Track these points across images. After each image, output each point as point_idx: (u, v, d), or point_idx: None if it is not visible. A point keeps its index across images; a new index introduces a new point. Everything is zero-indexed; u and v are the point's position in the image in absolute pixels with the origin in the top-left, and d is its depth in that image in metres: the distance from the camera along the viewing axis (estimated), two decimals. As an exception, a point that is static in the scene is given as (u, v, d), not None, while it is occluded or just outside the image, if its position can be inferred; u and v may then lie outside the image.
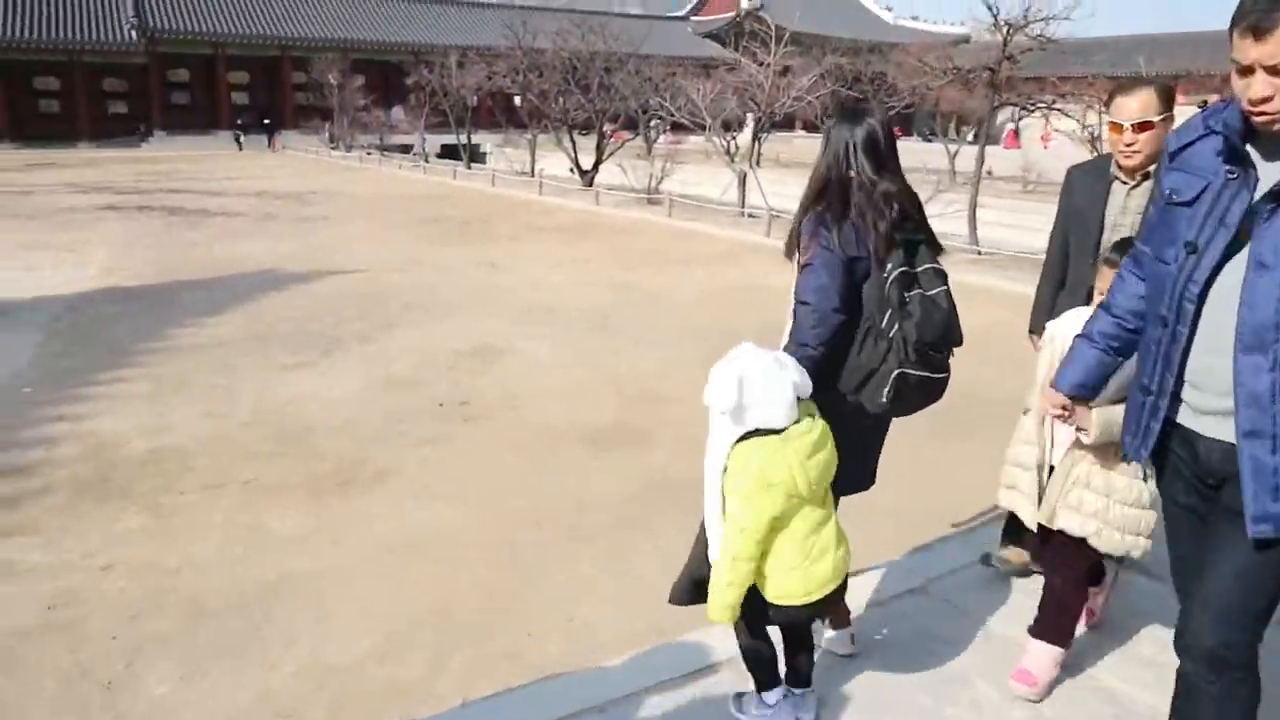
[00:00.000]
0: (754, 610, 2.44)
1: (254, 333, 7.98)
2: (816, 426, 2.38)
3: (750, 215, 17.40)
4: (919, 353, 2.61)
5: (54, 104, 40.10)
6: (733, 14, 58.25)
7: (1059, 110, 13.93)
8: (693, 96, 18.54)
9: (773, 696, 2.67)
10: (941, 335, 2.65)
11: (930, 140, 58.25)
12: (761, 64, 16.95)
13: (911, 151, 33.69)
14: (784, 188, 23.12)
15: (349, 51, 42.98)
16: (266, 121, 40.39)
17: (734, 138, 21.06)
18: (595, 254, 12.80)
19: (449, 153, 36.09)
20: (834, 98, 16.78)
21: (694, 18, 62.05)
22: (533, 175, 26.91)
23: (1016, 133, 53.23)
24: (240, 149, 38.46)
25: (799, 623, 2.59)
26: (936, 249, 2.77)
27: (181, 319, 8.43)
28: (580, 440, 5.51)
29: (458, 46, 33.91)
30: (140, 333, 7.91)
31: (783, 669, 2.70)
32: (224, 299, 9.33)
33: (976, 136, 30.65)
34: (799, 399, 2.35)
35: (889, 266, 2.63)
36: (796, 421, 2.33)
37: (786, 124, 36.88)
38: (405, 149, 36.72)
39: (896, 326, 2.62)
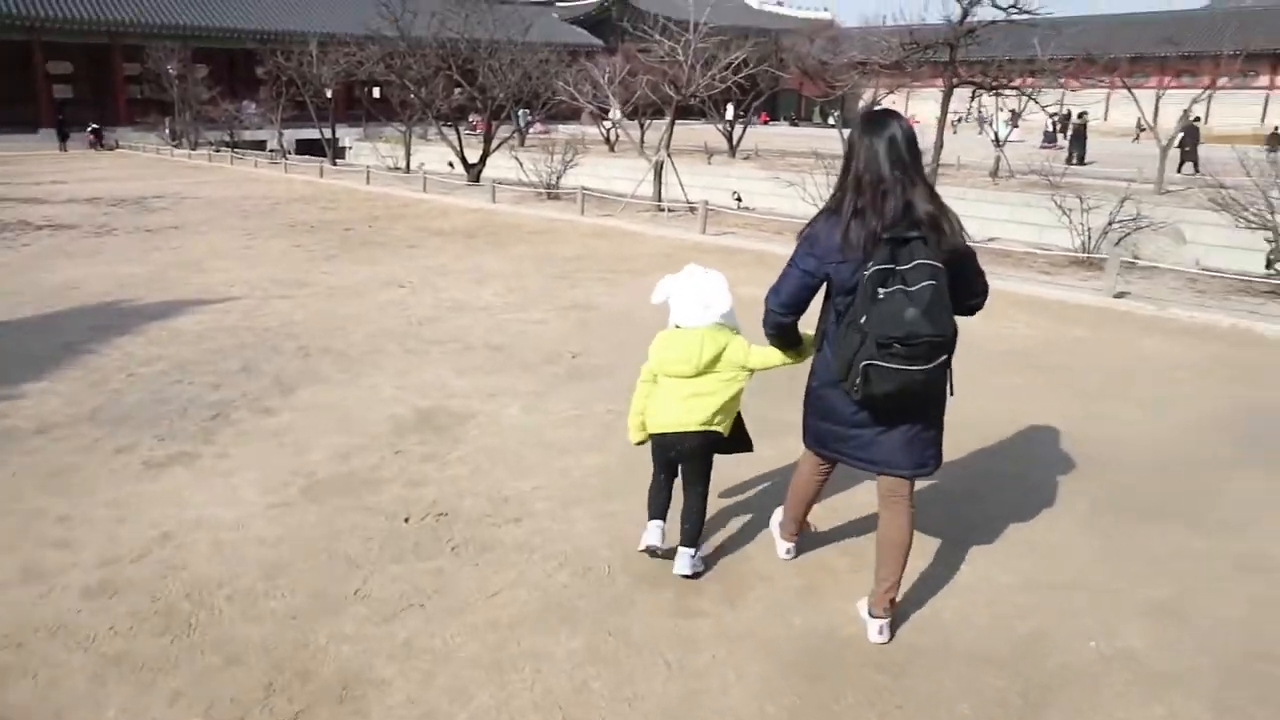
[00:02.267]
0: (652, 452, 3.70)
1: (94, 406, 5.63)
2: (706, 337, 3.46)
3: (670, 210, 15.68)
4: (880, 345, 2.86)
5: None
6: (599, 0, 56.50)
7: (1023, 93, 12.73)
8: (598, 79, 16.59)
9: (651, 524, 3.70)
10: (906, 331, 2.81)
11: (796, 125, 58.41)
12: (677, 44, 15.17)
13: (810, 136, 32.93)
14: (696, 179, 21.62)
15: (190, 39, 38.94)
16: (94, 127, 35.67)
17: (637, 124, 19.50)
18: (520, 264, 10.76)
19: (308, 148, 33.03)
20: (769, 80, 15.12)
21: (558, 3, 59.91)
22: (408, 170, 24.45)
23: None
24: (64, 149, 34.05)
25: (661, 451, 3.65)
26: (944, 245, 2.90)
27: (-13, 386, 6.02)
28: (651, 582, 3.62)
29: (317, 33, 30.76)
30: (-78, 413, 5.49)
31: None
32: (48, 351, 6.85)
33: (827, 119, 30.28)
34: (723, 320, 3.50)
35: (870, 263, 2.88)
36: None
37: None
38: (258, 145, 33.34)
39: (864, 319, 2.88)
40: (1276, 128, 35.64)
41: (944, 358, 2.94)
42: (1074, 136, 27.86)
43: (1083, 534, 4.10)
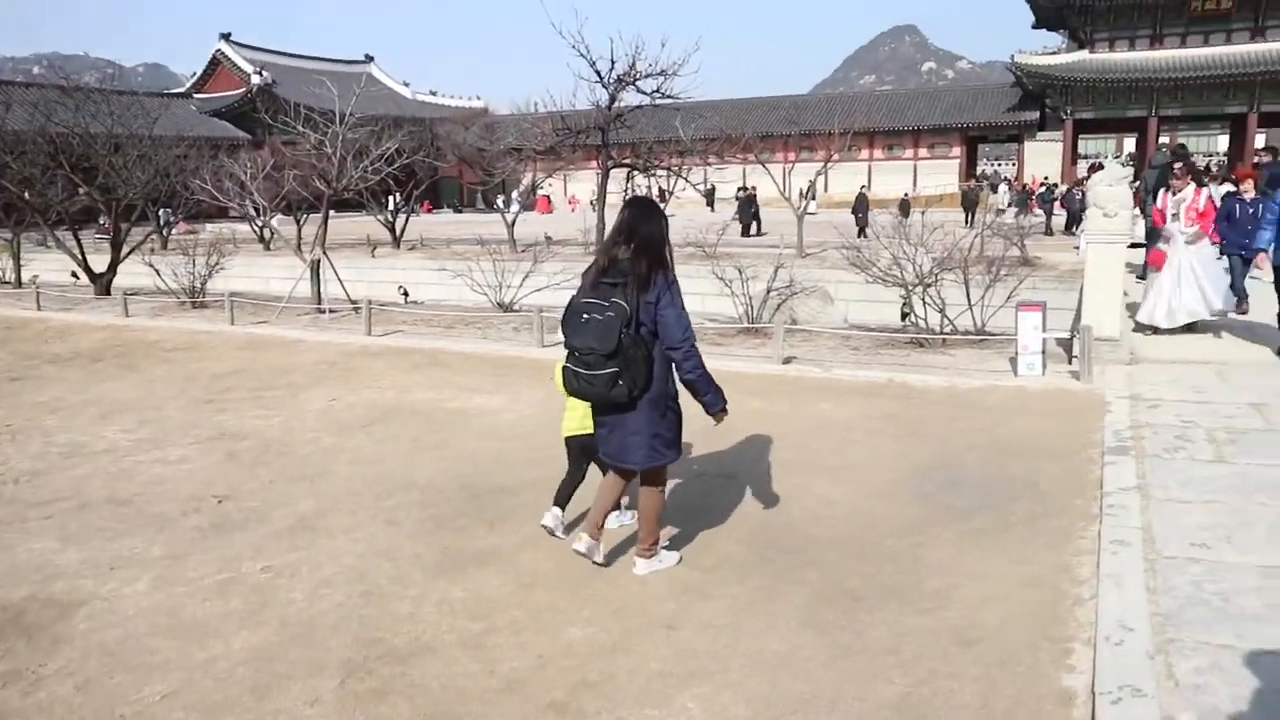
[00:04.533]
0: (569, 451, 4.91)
1: None
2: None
3: (331, 311, 14.62)
4: (567, 349, 4.24)
5: None
6: (241, 90, 53.70)
7: (674, 172, 13.23)
8: (239, 175, 15.26)
9: (554, 509, 4.85)
10: (575, 342, 4.16)
11: (460, 211, 58.63)
12: (324, 136, 14.31)
13: (474, 223, 32.84)
14: (361, 274, 20.55)
15: None
16: None
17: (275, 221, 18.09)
18: (156, 390, 9.30)
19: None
20: (427, 169, 14.65)
21: (197, 95, 56.17)
22: (18, 285, 21.16)
23: (549, 198, 55.39)
24: None
25: (573, 450, 4.88)
26: (645, 288, 4.12)
27: None
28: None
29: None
30: None
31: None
32: None
33: (507, 204, 30.93)
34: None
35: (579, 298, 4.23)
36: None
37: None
38: None
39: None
40: (906, 194, 40.62)
41: (613, 369, 4.05)
42: (741, 209, 29.97)
43: (808, 632, 3.86)
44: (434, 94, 66.09)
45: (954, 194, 49.33)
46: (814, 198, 26.21)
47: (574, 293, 4.31)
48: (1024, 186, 37.38)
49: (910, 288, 10.54)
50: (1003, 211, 31.85)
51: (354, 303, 14.22)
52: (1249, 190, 10.89)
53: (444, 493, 5.78)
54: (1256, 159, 45.82)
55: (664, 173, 12.46)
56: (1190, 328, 9.67)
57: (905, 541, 4.82)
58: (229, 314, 13.97)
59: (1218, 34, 49.88)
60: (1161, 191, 10.35)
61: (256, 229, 28.41)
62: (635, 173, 12.08)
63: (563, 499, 4.90)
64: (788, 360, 9.37)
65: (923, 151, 55.72)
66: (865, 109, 55.17)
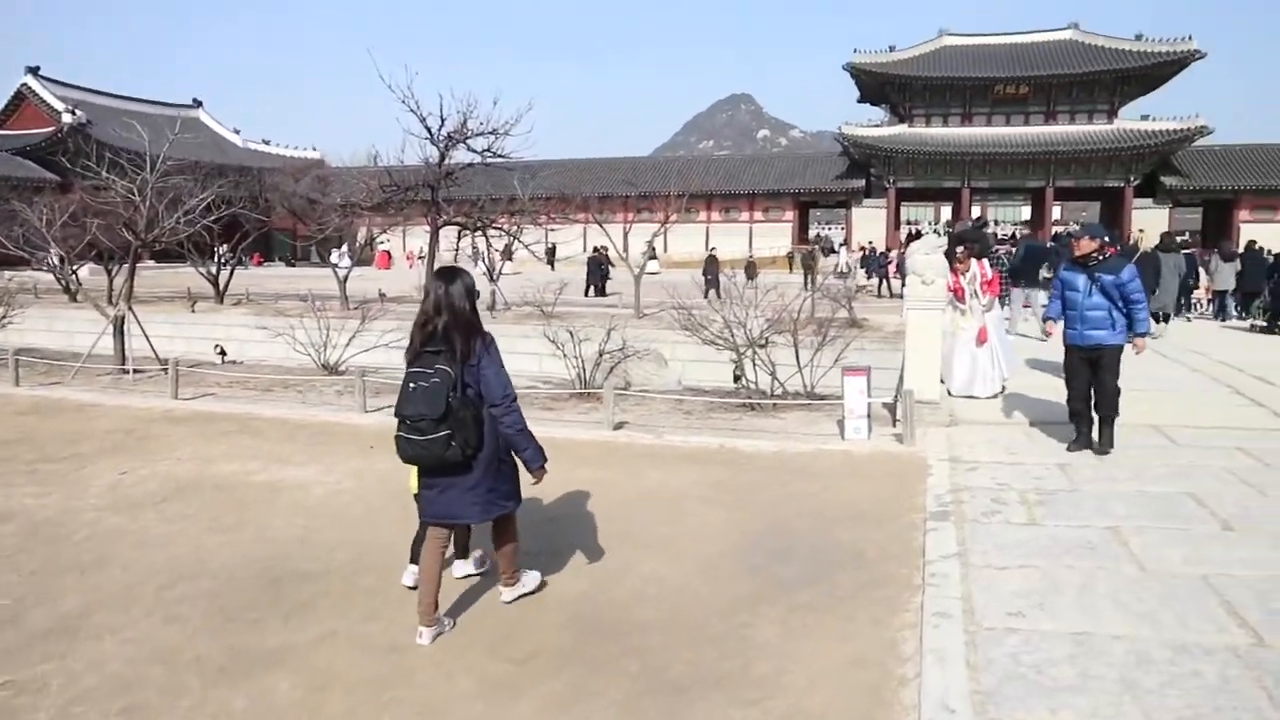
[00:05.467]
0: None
1: None
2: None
3: (136, 372, 13.49)
4: (397, 418, 4.39)
5: None
6: (51, 129, 50.21)
7: (506, 232, 12.98)
8: (32, 220, 14.00)
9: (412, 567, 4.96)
10: (405, 410, 4.34)
11: (293, 265, 56.42)
12: (133, 181, 13.32)
13: (302, 277, 31.40)
14: (179, 329, 19.20)
15: None
16: None
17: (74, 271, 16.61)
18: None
19: None
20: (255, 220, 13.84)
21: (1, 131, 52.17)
22: None
23: (388, 254, 54.11)
24: None
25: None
26: (466, 354, 4.39)
27: None
28: None
29: None
30: None
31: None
32: None
33: (329, 258, 29.92)
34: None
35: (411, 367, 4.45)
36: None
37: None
38: None
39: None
40: (751, 257, 41.57)
41: (445, 432, 4.25)
42: (590, 269, 29.90)
43: (626, 733, 3.59)
44: (266, 143, 63.78)
45: (788, 256, 51.32)
46: (654, 257, 26.53)
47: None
48: (872, 250, 39.16)
49: (741, 350, 10.63)
50: (844, 274, 33.28)
51: (163, 362, 13.18)
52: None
53: (237, 581, 5.23)
54: (1054, 229, 49.82)
55: (497, 232, 12.22)
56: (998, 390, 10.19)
57: (733, 621, 4.64)
58: (13, 374, 12.65)
59: (1018, 116, 54.41)
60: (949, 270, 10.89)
61: (60, 278, 26.26)
62: (467, 231, 11.79)
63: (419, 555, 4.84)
64: (619, 425, 9.20)
65: (758, 214, 57.83)
66: (703, 172, 56.86)
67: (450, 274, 4.56)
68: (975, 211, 57.32)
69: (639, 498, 6.80)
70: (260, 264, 52.65)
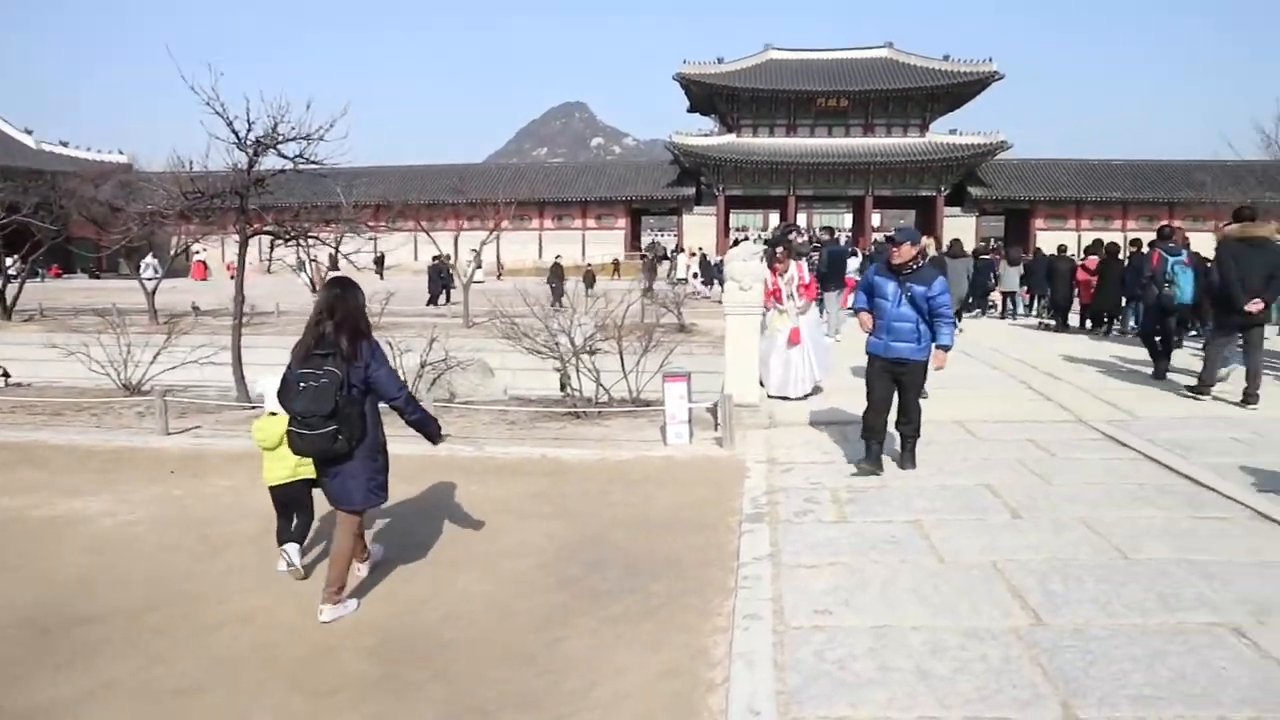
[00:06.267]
0: (275, 500, 5.51)
1: None
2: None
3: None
4: (288, 415, 4.84)
5: None
6: None
7: (322, 241, 12.40)
8: None
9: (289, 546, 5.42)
10: (295, 407, 4.74)
11: (97, 277, 52.49)
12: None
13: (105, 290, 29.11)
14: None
15: None
16: None
17: None
18: None
19: None
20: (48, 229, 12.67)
21: None
22: None
23: (204, 264, 51.20)
24: None
25: (275, 499, 5.50)
26: (353, 357, 4.82)
27: None
28: None
29: None
30: None
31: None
32: None
33: (138, 269, 28.11)
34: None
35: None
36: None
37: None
38: None
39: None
40: (589, 264, 41.48)
41: (332, 427, 4.69)
42: (431, 278, 29.04)
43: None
44: (64, 144, 59.05)
45: (623, 262, 51.86)
46: (480, 266, 26.21)
47: (283, 368, 4.89)
48: (703, 256, 39.93)
49: (565, 358, 10.57)
50: (684, 280, 33.80)
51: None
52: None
53: (2, 631, 4.73)
54: (874, 236, 52.47)
55: (314, 241, 11.68)
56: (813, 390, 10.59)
57: (545, 636, 4.56)
58: None
59: (839, 128, 57.04)
60: (769, 272, 11.25)
61: None
62: (279, 240, 11.23)
63: (289, 535, 5.48)
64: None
65: (591, 222, 58.13)
66: (536, 180, 56.69)
67: (342, 284, 5.01)
68: (801, 219, 59.66)
69: (456, 513, 6.61)
70: (59, 276, 48.88)
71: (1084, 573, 5.11)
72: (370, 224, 14.83)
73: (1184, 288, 11.86)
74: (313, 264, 24.85)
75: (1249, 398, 9.88)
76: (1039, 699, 3.74)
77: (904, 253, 7.18)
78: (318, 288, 22.38)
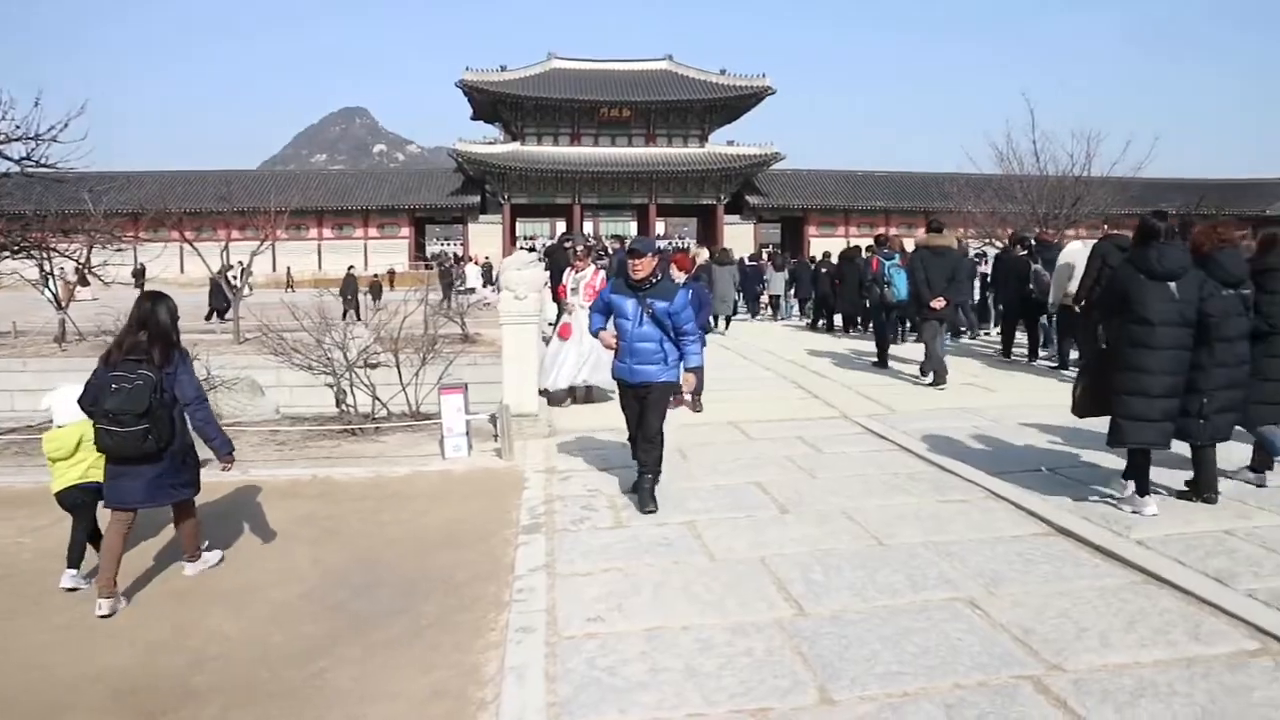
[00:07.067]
0: (74, 508, 5.45)
1: None
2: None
3: None
4: (99, 414, 4.98)
5: None
6: None
7: (57, 250, 11.22)
8: None
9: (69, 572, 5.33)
10: (108, 405, 4.93)
11: None
12: None
13: None
14: None
15: None
16: None
17: None
18: None
19: None
20: None
21: None
22: None
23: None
24: None
25: (64, 503, 5.43)
26: (164, 363, 5.14)
27: None
28: None
29: None
30: None
31: None
32: None
33: None
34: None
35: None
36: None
37: None
38: None
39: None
40: (376, 275, 39.80)
41: (145, 426, 4.94)
42: (214, 291, 26.78)
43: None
44: None
45: (401, 273, 50.51)
46: (250, 277, 24.73)
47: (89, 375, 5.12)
48: (488, 266, 39.45)
49: (338, 374, 10.11)
50: (471, 290, 33.16)
51: None
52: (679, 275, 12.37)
53: None
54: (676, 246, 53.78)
55: (51, 253, 10.55)
56: (591, 396, 10.71)
57: (307, 670, 4.30)
58: None
59: (622, 138, 58.24)
60: (566, 270, 11.37)
61: None
62: (4, 253, 10.05)
63: (79, 558, 5.38)
64: (202, 463, 8.32)
65: (373, 231, 56.39)
66: (311, 187, 54.25)
67: (156, 297, 5.33)
68: (588, 227, 60.30)
69: (213, 544, 6.14)
70: None
71: (843, 561, 5.40)
72: (122, 234, 13.61)
73: (900, 286, 13.40)
74: (57, 277, 22.56)
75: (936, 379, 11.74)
76: (798, 686, 3.89)
77: (644, 266, 6.44)
78: (64, 304, 20.37)
